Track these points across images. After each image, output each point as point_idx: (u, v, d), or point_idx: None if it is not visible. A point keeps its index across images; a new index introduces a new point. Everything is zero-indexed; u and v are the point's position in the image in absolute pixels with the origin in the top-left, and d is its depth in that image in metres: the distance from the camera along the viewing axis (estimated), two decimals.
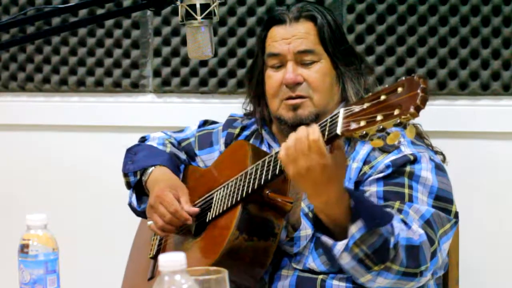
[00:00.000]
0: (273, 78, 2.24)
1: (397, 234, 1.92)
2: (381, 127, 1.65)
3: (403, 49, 2.78)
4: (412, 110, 1.61)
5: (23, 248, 1.70)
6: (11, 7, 3.16)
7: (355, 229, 1.87)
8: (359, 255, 1.90)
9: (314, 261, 2.10)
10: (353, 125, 1.71)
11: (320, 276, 2.10)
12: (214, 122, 2.53)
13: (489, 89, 2.71)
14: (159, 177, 2.31)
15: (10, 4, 3.16)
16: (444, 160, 2.24)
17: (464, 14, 2.71)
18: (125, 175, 2.41)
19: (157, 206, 2.22)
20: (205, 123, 2.53)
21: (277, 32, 2.24)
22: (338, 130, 1.75)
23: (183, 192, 2.24)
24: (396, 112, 1.63)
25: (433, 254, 2.00)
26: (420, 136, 2.20)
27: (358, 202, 1.89)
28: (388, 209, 1.99)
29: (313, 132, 1.80)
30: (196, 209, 2.21)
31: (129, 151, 2.47)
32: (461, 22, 2.72)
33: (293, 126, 2.18)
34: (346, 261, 1.92)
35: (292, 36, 2.22)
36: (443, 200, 2.09)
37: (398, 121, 1.62)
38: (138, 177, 2.37)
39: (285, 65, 2.22)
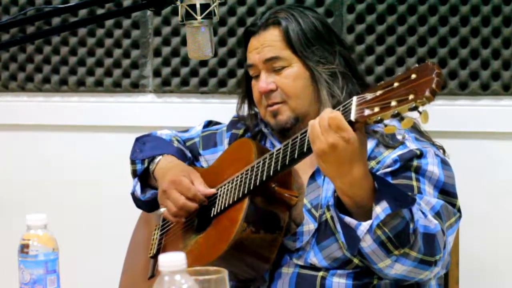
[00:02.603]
0: (254, 87, 2.29)
1: (416, 220, 1.94)
2: (396, 112, 1.66)
3: (403, 49, 2.78)
4: (427, 93, 1.61)
5: (23, 248, 1.70)
6: (11, 7, 3.16)
7: (380, 210, 1.88)
8: (381, 237, 1.90)
9: (315, 256, 2.11)
10: (367, 111, 1.73)
11: (320, 273, 2.11)
12: (218, 123, 2.55)
13: (489, 89, 2.71)
14: (168, 165, 2.33)
15: (10, 4, 3.16)
16: (444, 153, 2.25)
17: (464, 14, 2.71)
18: (133, 162, 2.43)
19: (171, 192, 2.22)
20: (209, 123, 2.55)
21: (250, 43, 2.30)
22: (352, 117, 1.77)
23: (195, 175, 2.25)
24: (411, 96, 1.64)
25: (444, 245, 2.01)
26: (420, 132, 2.22)
27: (382, 184, 1.91)
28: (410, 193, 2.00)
29: (332, 111, 1.82)
30: (213, 190, 2.22)
31: (138, 140, 2.49)
32: (461, 22, 2.72)
33: (279, 132, 2.27)
34: (368, 243, 1.92)
35: (260, 45, 2.26)
36: (448, 194, 2.11)
37: (414, 105, 1.63)
38: (146, 165, 2.38)
39: (260, 74, 2.26)
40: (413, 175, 2.08)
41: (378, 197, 1.89)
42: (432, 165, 2.11)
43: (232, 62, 2.96)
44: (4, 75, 3.21)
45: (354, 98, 1.78)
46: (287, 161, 2.00)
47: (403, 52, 2.78)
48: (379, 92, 1.72)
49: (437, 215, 2.03)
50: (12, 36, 3.12)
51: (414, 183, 2.07)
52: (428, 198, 2.05)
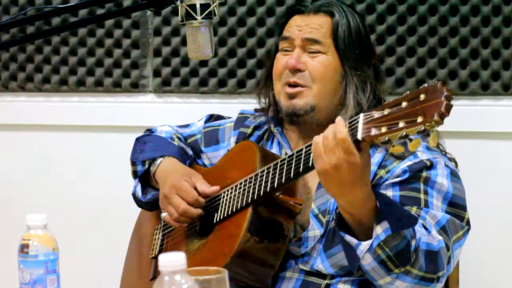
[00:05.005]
0: (280, 60, 2.25)
1: (419, 238, 1.92)
2: (404, 133, 1.63)
3: (403, 49, 2.78)
4: (436, 117, 1.59)
5: (23, 248, 1.70)
6: (11, 7, 3.16)
7: (381, 230, 1.87)
8: (382, 256, 1.89)
9: (322, 263, 2.10)
10: (374, 131, 1.69)
11: (325, 281, 2.10)
12: (219, 117, 2.52)
13: (489, 89, 2.71)
14: (169, 168, 2.31)
15: (10, 4, 3.16)
16: (456, 166, 2.23)
17: (464, 14, 2.71)
18: (133, 163, 2.40)
19: (172, 196, 2.20)
20: (210, 118, 2.52)
21: (294, 21, 2.27)
22: (359, 135, 1.73)
23: (197, 178, 2.23)
24: (420, 119, 1.61)
25: (448, 261, 2.00)
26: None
27: (384, 204, 1.89)
28: (412, 213, 1.98)
29: (340, 131, 1.78)
30: (215, 188, 2.19)
31: (139, 140, 2.47)
32: (461, 22, 2.72)
33: (287, 115, 2.22)
34: (367, 261, 1.91)
35: (305, 25, 2.23)
36: (457, 207, 2.09)
37: (422, 128, 1.61)
38: (147, 166, 2.36)
39: (293, 50, 2.23)
40: (421, 186, 2.06)
41: (379, 217, 1.87)
42: (441, 177, 2.09)
43: (232, 62, 2.95)
44: (4, 75, 3.20)
45: (361, 116, 1.75)
46: (291, 174, 1.97)
47: (403, 52, 2.78)
48: (386, 111, 1.69)
49: (442, 229, 2.01)
50: (12, 36, 3.12)
51: (422, 196, 2.05)
52: (434, 212, 2.03)
